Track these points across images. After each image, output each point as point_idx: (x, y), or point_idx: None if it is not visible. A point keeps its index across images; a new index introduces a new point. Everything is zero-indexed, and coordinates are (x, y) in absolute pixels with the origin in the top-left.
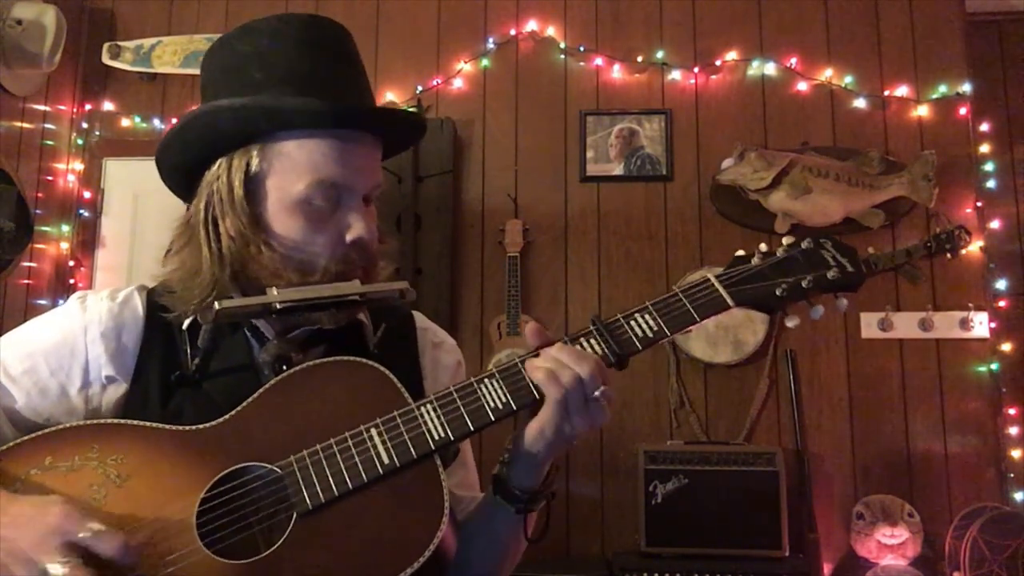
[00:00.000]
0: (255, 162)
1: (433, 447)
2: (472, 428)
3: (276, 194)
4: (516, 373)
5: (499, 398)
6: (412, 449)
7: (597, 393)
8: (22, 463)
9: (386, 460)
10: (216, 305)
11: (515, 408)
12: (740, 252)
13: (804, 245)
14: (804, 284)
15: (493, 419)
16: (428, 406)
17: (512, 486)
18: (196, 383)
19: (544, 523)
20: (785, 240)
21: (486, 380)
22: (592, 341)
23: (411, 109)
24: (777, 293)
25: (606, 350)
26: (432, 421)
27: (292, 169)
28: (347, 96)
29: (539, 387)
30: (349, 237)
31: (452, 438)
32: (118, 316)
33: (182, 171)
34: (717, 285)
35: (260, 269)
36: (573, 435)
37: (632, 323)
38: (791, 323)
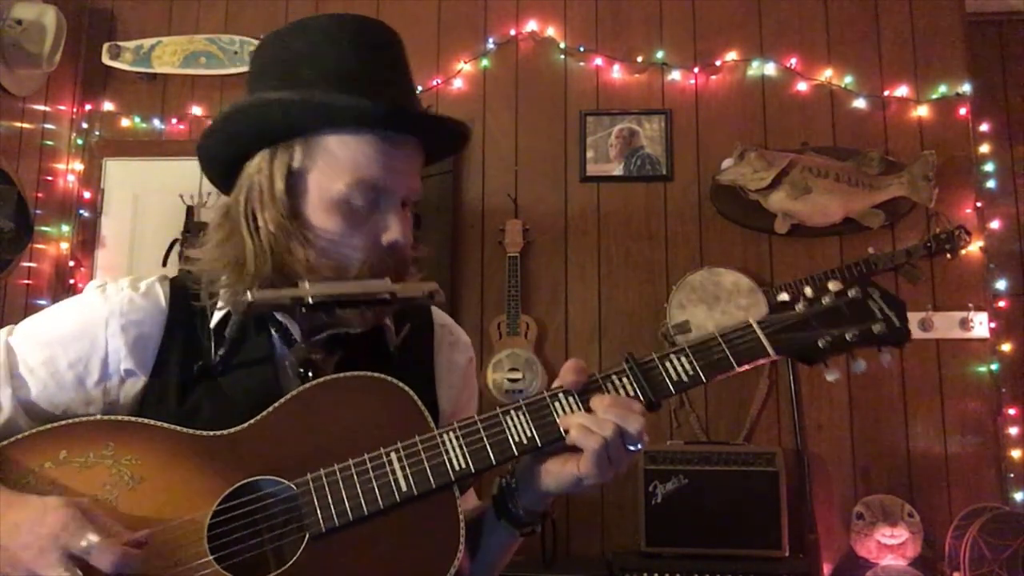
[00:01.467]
0: (298, 157)
1: (453, 478)
2: (494, 462)
3: (316, 191)
4: (544, 407)
5: (524, 433)
6: (431, 478)
7: (639, 447)
8: (37, 455)
9: (404, 487)
10: (249, 296)
11: (540, 445)
12: (784, 296)
13: (851, 294)
14: (848, 337)
15: (517, 454)
16: (451, 434)
17: (520, 510)
18: (217, 376)
19: (552, 541)
20: (832, 286)
21: (512, 412)
22: (625, 380)
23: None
24: (820, 345)
25: (638, 391)
26: (454, 450)
27: (334, 167)
28: (395, 98)
29: (578, 444)
30: (385, 240)
31: (473, 471)
32: (140, 308)
33: (223, 162)
34: (759, 332)
35: (296, 263)
36: (608, 478)
37: (667, 364)
38: (831, 377)
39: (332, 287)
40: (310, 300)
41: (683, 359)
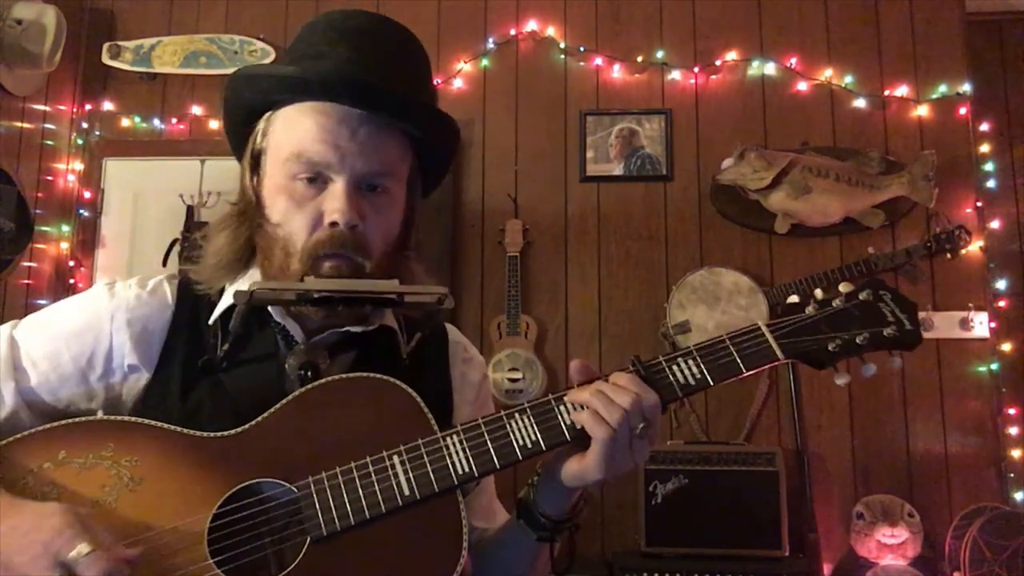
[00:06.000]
0: (259, 137)
1: (456, 482)
2: (498, 465)
3: (269, 170)
4: (549, 411)
5: (529, 436)
6: (434, 482)
7: (640, 428)
8: (36, 455)
9: (406, 491)
10: (249, 287)
11: (544, 448)
12: (794, 298)
13: (862, 296)
14: (858, 341)
15: (521, 457)
16: (454, 437)
17: (539, 513)
18: (221, 372)
19: (571, 553)
20: (843, 288)
21: (517, 415)
22: None
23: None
24: (830, 348)
25: None
26: (457, 454)
27: (281, 143)
28: (340, 68)
29: (584, 428)
30: (326, 220)
31: (476, 474)
32: (146, 304)
33: (233, 137)
34: (768, 335)
35: (259, 250)
36: (613, 474)
37: (674, 367)
38: (841, 381)
39: (338, 283)
40: (315, 295)
41: (690, 362)
